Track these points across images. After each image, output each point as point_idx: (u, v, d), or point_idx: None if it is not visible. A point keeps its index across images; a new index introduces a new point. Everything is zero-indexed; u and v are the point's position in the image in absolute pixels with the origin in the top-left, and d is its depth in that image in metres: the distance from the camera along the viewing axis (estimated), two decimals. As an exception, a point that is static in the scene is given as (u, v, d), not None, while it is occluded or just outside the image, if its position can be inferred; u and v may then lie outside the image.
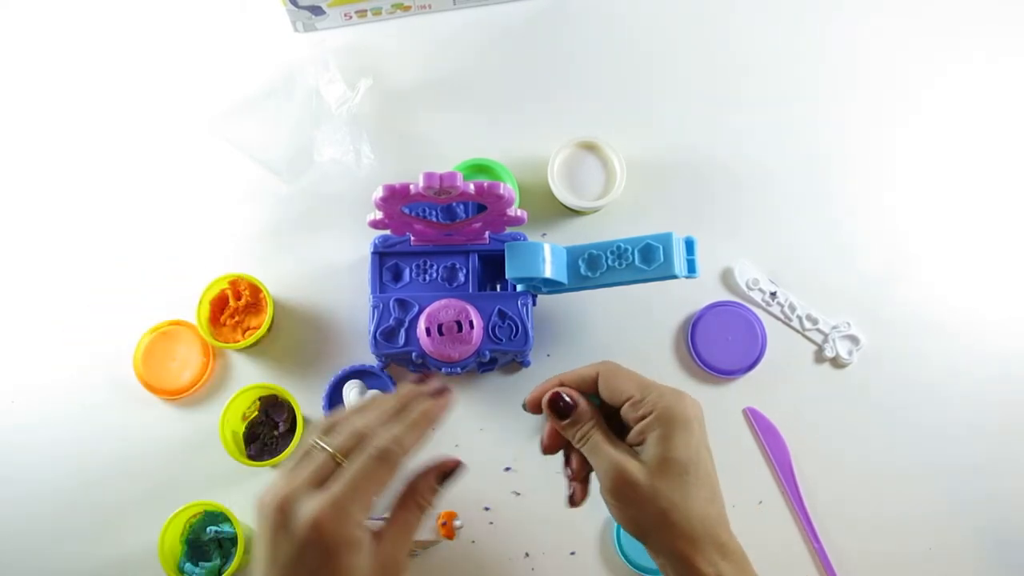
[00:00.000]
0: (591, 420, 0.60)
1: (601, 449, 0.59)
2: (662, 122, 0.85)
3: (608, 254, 0.72)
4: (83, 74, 0.85)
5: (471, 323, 0.74)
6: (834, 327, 0.81)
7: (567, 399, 0.60)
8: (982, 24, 0.87)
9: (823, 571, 0.77)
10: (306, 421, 0.77)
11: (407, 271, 0.77)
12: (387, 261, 0.77)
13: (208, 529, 0.74)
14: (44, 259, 0.82)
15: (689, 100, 0.86)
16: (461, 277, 0.76)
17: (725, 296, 0.82)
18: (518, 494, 0.78)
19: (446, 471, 0.58)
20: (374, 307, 0.76)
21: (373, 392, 0.77)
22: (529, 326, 0.75)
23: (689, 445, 0.57)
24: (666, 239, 0.71)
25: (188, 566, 0.73)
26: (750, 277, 0.81)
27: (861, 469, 0.79)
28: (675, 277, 0.71)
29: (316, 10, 0.83)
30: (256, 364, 0.80)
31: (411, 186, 0.65)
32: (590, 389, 0.61)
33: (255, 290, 0.79)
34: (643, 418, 0.58)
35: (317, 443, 0.54)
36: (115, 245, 0.82)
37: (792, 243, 0.83)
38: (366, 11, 0.85)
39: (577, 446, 0.60)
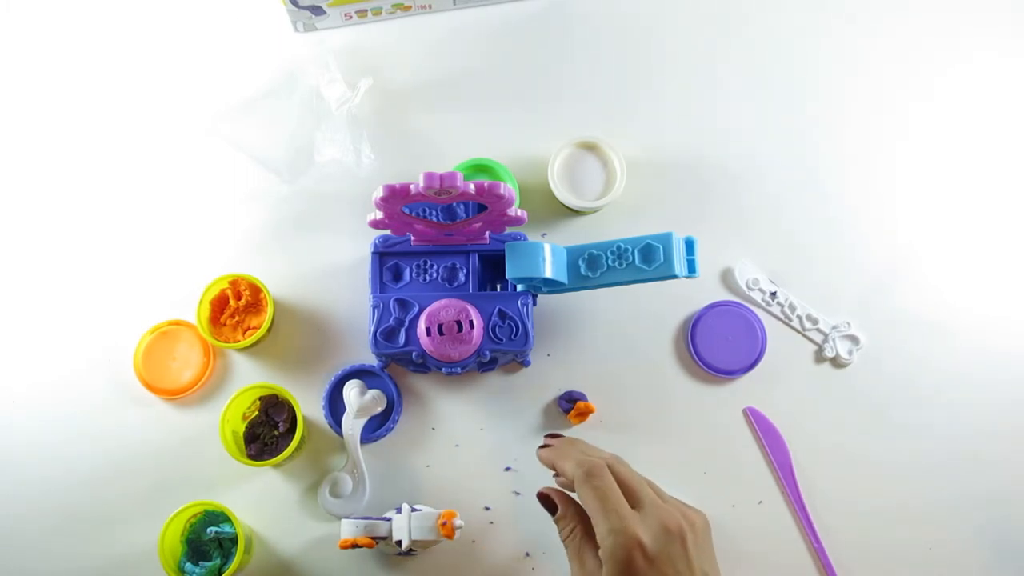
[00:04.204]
0: (573, 523, 0.64)
1: (575, 557, 0.63)
2: (662, 122, 0.85)
3: (608, 254, 0.72)
4: (83, 74, 0.85)
5: (471, 323, 0.74)
6: (834, 327, 0.81)
7: (552, 499, 0.66)
8: (982, 25, 0.87)
9: (823, 571, 0.77)
10: (306, 421, 0.77)
11: (407, 271, 0.77)
12: (387, 261, 0.77)
13: (208, 529, 0.74)
14: (44, 259, 0.82)
15: (689, 100, 0.86)
16: (461, 277, 0.76)
17: (725, 296, 0.82)
18: (518, 494, 0.78)
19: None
20: (374, 307, 0.76)
21: (373, 392, 0.77)
22: (529, 326, 0.75)
23: None
24: (666, 239, 0.71)
25: (188, 566, 0.73)
26: (750, 277, 0.81)
27: (861, 469, 0.79)
28: (675, 277, 0.71)
29: (316, 10, 0.83)
30: (256, 364, 0.80)
31: (411, 186, 0.65)
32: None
33: (255, 290, 0.79)
34: (600, 545, 0.61)
35: None
36: (115, 245, 0.82)
37: (792, 243, 0.83)
38: (366, 11, 0.85)
39: (562, 541, 0.65)
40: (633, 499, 0.62)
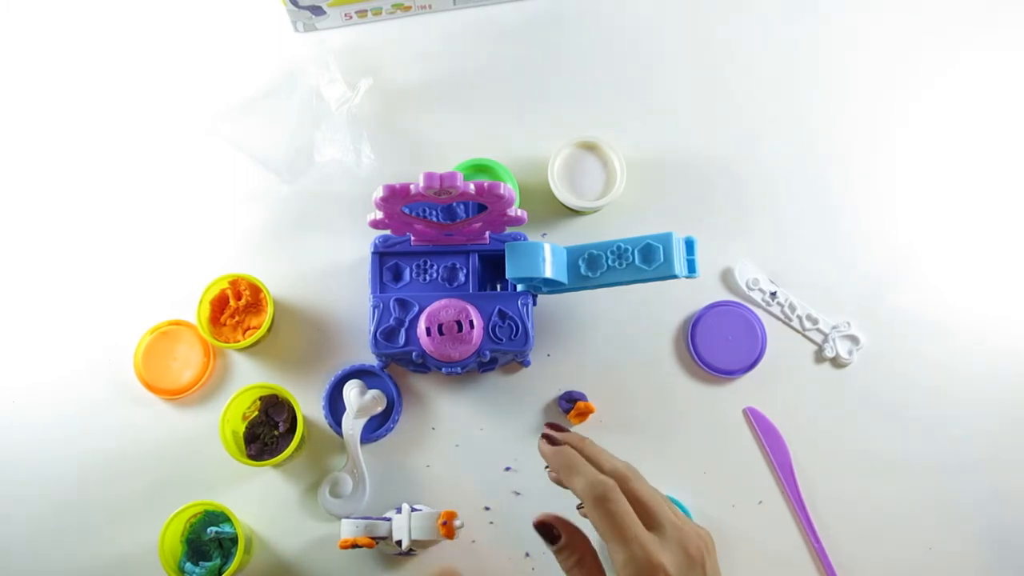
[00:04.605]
0: (578, 554, 0.59)
1: None
2: (662, 122, 0.85)
3: (608, 254, 0.72)
4: (84, 74, 0.85)
5: (471, 323, 0.74)
6: (834, 327, 0.81)
7: (554, 528, 0.60)
8: (982, 25, 0.87)
9: (823, 571, 0.77)
10: (306, 421, 0.77)
11: (407, 271, 0.77)
12: (387, 261, 0.77)
13: (208, 529, 0.74)
14: (45, 259, 0.82)
15: (689, 100, 0.86)
16: (461, 277, 0.76)
17: (725, 296, 0.82)
18: (518, 494, 0.78)
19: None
20: (374, 307, 0.76)
21: (373, 392, 0.77)
22: (529, 326, 0.75)
23: None
24: (666, 239, 0.71)
25: (188, 566, 0.73)
26: (750, 277, 0.81)
27: (861, 469, 0.79)
28: (675, 277, 0.71)
29: (316, 10, 0.83)
30: (256, 364, 0.80)
31: (411, 186, 0.65)
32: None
33: (255, 290, 0.79)
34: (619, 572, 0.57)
35: None
36: (116, 245, 0.82)
37: (792, 243, 0.83)
38: (366, 11, 0.85)
39: (566, 572, 0.60)
40: (650, 519, 0.58)
